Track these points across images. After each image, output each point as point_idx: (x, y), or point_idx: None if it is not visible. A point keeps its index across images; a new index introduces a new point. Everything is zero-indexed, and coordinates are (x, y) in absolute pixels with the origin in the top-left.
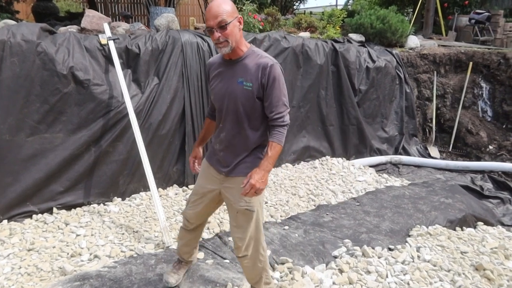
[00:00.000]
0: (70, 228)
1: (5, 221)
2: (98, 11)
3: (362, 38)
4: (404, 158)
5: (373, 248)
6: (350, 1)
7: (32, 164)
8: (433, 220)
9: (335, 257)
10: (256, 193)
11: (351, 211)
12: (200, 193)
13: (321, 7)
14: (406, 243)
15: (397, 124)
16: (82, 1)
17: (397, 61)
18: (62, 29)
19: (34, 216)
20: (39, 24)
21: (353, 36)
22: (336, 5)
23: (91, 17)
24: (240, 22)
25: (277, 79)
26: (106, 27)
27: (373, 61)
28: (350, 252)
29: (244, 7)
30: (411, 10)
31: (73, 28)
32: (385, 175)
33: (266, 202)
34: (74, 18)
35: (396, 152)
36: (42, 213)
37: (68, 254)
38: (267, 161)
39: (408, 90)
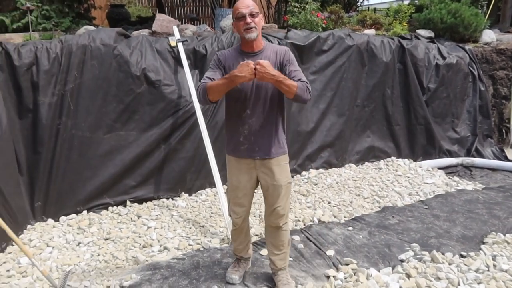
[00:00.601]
0: (142, 221)
1: (85, 212)
2: (166, 14)
3: (432, 34)
4: (477, 161)
5: (443, 254)
6: None
7: (108, 160)
8: (511, 228)
9: (402, 261)
10: (258, 70)
11: (418, 214)
12: (240, 188)
13: (387, 2)
14: (480, 251)
15: (470, 124)
16: (152, 6)
17: (470, 57)
18: (135, 33)
19: (110, 208)
20: (115, 29)
21: (421, 32)
22: (403, 0)
23: (161, 21)
24: (262, 20)
25: (294, 60)
26: (175, 30)
27: (444, 58)
28: (418, 256)
29: (307, 6)
30: (486, 2)
31: (145, 32)
32: (456, 178)
33: (329, 202)
34: (144, 22)
35: (468, 154)
36: (117, 205)
37: (140, 244)
38: (280, 75)
39: (482, 88)
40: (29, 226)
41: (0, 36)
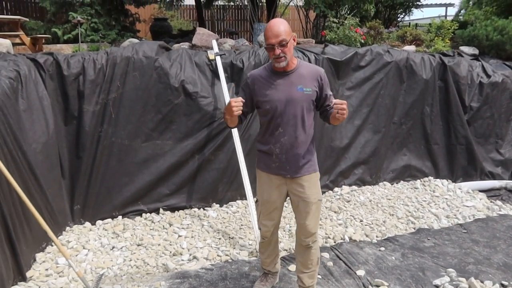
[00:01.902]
0: (173, 229)
1: (120, 217)
2: (206, 28)
3: (476, 51)
4: None
5: (482, 282)
6: (462, 12)
7: (145, 168)
8: None
9: (437, 286)
10: (343, 111)
11: (456, 238)
12: (270, 202)
13: (429, 18)
14: None
15: None
16: (192, 20)
17: None
18: (175, 46)
19: (143, 214)
20: (157, 42)
21: (464, 49)
22: (446, 16)
23: (201, 35)
24: (294, 40)
25: (327, 81)
26: (214, 43)
27: (488, 76)
28: (454, 283)
29: (346, 21)
30: None
31: (185, 45)
32: (498, 202)
33: (361, 221)
34: (185, 35)
35: None
36: (150, 212)
37: (170, 252)
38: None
39: None
40: (67, 228)
41: (52, 47)
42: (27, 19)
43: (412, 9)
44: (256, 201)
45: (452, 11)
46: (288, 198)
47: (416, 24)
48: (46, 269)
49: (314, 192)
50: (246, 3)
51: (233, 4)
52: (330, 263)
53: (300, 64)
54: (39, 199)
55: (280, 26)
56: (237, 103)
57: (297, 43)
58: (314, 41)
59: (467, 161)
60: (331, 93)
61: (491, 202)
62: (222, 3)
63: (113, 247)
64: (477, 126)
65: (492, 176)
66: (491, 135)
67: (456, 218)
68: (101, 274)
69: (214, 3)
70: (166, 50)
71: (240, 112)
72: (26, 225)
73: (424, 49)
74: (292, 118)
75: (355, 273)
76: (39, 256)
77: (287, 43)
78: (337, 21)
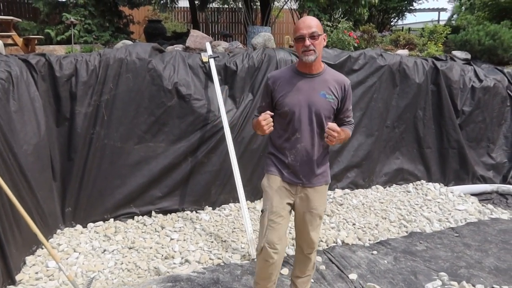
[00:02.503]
0: (165, 232)
1: (111, 220)
2: (200, 31)
3: (468, 56)
4: None
5: (473, 286)
6: (454, 16)
7: (137, 170)
8: None
9: None
10: (333, 138)
11: (448, 242)
12: (280, 209)
13: (421, 22)
14: None
15: (507, 150)
16: (187, 22)
17: (509, 80)
18: (169, 48)
19: (135, 217)
20: (151, 44)
21: (457, 53)
22: (438, 21)
23: (195, 37)
24: (324, 40)
25: (351, 94)
26: (208, 46)
27: (480, 81)
28: (446, 286)
29: (339, 25)
30: None
31: (178, 47)
32: (490, 206)
33: (354, 224)
34: (179, 37)
35: (504, 181)
36: (142, 215)
37: (162, 255)
38: (345, 133)
39: None
40: (58, 231)
41: (45, 48)
42: (19, 20)
43: (405, 13)
44: (262, 212)
45: (444, 16)
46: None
47: (409, 28)
48: (36, 273)
49: (322, 203)
50: (240, 6)
51: (227, 6)
52: (322, 267)
53: (326, 70)
54: (30, 202)
55: (313, 19)
56: (267, 121)
57: (291, 46)
58: None
59: (459, 165)
60: (351, 107)
61: (482, 205)
62: (216, 6)
63: (105, 250)
64: (469, 130)
65: (484, 180)
66: (482, 139)
67: (448, 221)
68: (92, 278)
69: (208, 6)
70: (160, 52)
71: (272, 128)
72: (16, 227)
73: (417, 53)
74: (311, 124)
75: (348, 277)
76: (29, 259)
77: (318, 36)
78: (331, 25)
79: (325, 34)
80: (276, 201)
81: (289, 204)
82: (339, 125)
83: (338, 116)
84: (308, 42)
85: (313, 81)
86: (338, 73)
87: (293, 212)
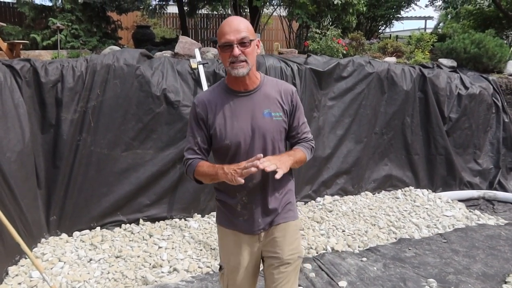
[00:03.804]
0: (153, 240)
1: (98, 228)
2: (189, 37)
3: (454, 64)
4: (501, 194)
5: None
6: (440, 25)
7: (124, 177)
8: None
9: None
10: (275, 165)
11: (436, 248)
12: (241, 269)
13: (409, 30)
14: None
15: (493, 156)
16: (176, 28)
17: (494, 88)
18: (157, 54)
19: (123, 225)
20: (139, 50)
21: (443, 61)
22: (425, 29)
23: (184, 43)
24: (258, 46)
25: (300, 104)
26: (197, 52)
27: (466, 88)
28: None
29: (328, 32)
30: (511, 33)
31: (167, 53)
32: (477, 212)
33: (343, 231)
34: (168, 43)
35: (490, 187)
36: (130, 223)
37: (150, 264)
38: (290, 155)
39: (506, 120)
40: (43, 240)
41: (30, 53)
42: (4, 24)
43: (392, 21)
44: (220, 269)
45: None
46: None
47: (397, 36)
48: (19, 283)
49: (294, 247)
50: (229, 12)
51: (216, 13)
52: (312, 274)
53: (265, 81)
54: (13, 210)
55: (242, 21)
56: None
57: (280, 53)
58: (297, 51)
59: (446, 171)
60: (304, 120)
61: (470, 211)
62: (205, 12)
63: (91, 260)
64: (456, 137)
65: (471, 186)
66: (469, 145)
67: (436, 227)
68: None
69: (197, 12)
70: (148, 58)
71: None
72: None
73: (404, 60)
74: (263, 153)
75: (338, 284)
76: (12, 269)
77: (250, 42)
78: (319, 32)
79: (258, 39)
80: (234, 259)
81: (252, 256)
82: (292, 144)
83: (290, 134)
84: (237, 50)
85: (251, 99)
86: (280, 81)
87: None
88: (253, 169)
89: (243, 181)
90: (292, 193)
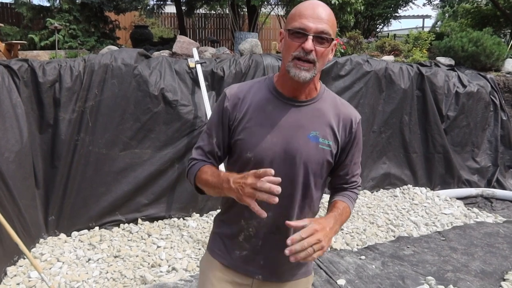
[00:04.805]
0: (152, 239)
1: (96, 228)
2: (187, 36)
3: (452, 62)
4: (499, 192)
5: None
6: (438, 23)
7: (122, 177)
8: None
9: None
10: (317, 254)
11: (435, 246)
12: None
13: (406, 29)
14: None
15: (491, 154)
16: (174, 28)
17: (491, 86)
18: (155, 53)
19: (121, 225)
20: (137, 50)
21: (441, 59)
22: (423, 27)
23: (181, 42)
24: (332, 50)
25: (361, 138)
26: (194, 51)
27: (464, 86)
28: None
29: None
30: (509, 31)
31: (165, 53)
32: (475, 210)
33: (342, 229)
34: (166, 43)
35: (488, 185)
36: (128, 223)
37: (149, 264)
38: (338, 221)
39: (504, 118)
40: (41, 240)
41: (28, 53)
42: (2, 25)
43: (390, 20)
44: None
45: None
46: None
47: (395, 35)
48: (18, 284)
49: None
50: (227, 12)
51: (214, 12)
52: None
53: (325, 95)
54: (11, 210)
55: (326, 10)
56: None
57: (278, 52)
58: None
59: (444, 169)
60: (359, 159)
61: (468, 209)
62: (203, 12)
63: (89, 259)
64: (454, 135)
65: (469, 184)
66: (467, 143)
67: (434, 225)
68: None
69: (195, 11)
70: (146, 58)
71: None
72: None
73: (402, 59)
74: (289, 186)
75: (336, 283)
76: (10, 269)
77: (330, 42)
78: None
79: (336, 42)
80: None
81: None
82: (336, 190)
83: (336, 174)
84: (311, 44)
85: (299, 112)
86: (344, 101)
87: None
88: (269, 199)
89: (256, 207)
90: None
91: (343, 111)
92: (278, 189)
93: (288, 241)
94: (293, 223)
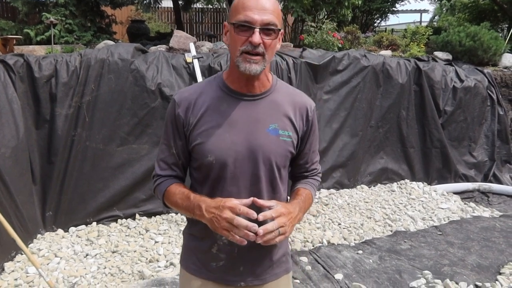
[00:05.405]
0: (149, 235)
1: (94, 223)
2: (184, 31)
3: (449, 57)
4: (495, 187)
5: (456, 283)
6: (436, 18)
7: (120, 172)
8: None
9: None
10: (280, 236)
11: (432, 240)
12: None
13: (404, 23)
14: (497, 281)
15: (488, 149)
16: (170, 22)
17: (489, 81)
18: (152, 48)
19: (119, 220)
20: (133, 44)
21: (439, 54)
22: (420, 22)
23: (178, 37)
24: (279, 40)
25: (317, 125)
26: (192, 46)
27: (461, 81)
28: (430, 285)
29: (323, 26)
30: (506, 25)
31: (162, 48)
32: (472, 204)
33: (339, 224)
34: (163, 38)
35: (485, 179)
36: (126, 218)
37: (147, 259)
38: (302, 208)
39: (501, 113)
40: (39, 236)
41: (24, 48)
42: None
43: (388, 14)
44: None
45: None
46: None
47: (392, 29)
48: (15, 279)
49: None
50: (224, 6)
51: (211, 7)
52: (308, 267)
53: (278, 86)
54: (8, 206)
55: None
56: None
57: None
58: (292, 45)
59: (441, 164)
60: (317, 147)
61: (465, 204)
62: (200, 6)
63: (87, 255)
64: (451, 130)
65: (466, 178)
66: (464, 138)
67: (431, 220)
68: (73, 283)
69: (192, 6)
70: (143, 53)
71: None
72: None
73: (399, 54)
74: (256, 183)
75: (334, 277)
76: (8, 265)
77: (277, 32)
78: (315, 26)
79: (282, 31)
80: None
81: None
82: (297, 178)
83: (297, 163)
84: (258, 37)
85: (255, 106)
86: (296, 90)
87: None
88: (249, 234)
89: (235, 237)
90: (287, 242)
91: (298, 100)
92: (254, 231)
93: (260, 216)
94: (261, 201)
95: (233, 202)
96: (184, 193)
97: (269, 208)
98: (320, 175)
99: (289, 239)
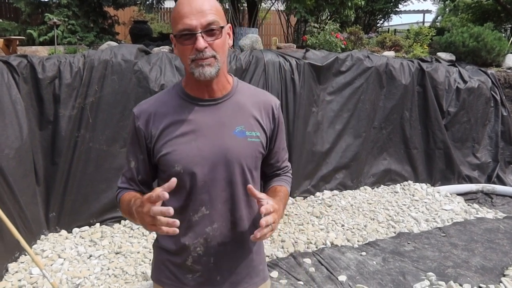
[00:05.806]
0: (153, 236)
1: (97, 224)
2: None
3: (453, 57)
4: (499, 188)
5: (460, 285)
6: (439, 18)
7: None
8: None
9: None
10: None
11: (435, 242)
12: None
13: (407, 24)
14: (501, 283)
15: (491, 150)
16: None
17: (492, 81)
18: (155, 49)
19: (122, 221)
20: (137, 45)
21: (442, 55)
22: (423, 23)
23: None
24: (230, 35)
25: (283, 123)
26: None
27: (465, 82)
28: (434, 286)
29: (326, 26)
30: (510, 26)
31: (165, 48)
32: (475, 205)
33: (342, 225)
34: (166, 38)
35: (489, 180)
36: None
37: (150, 260)
38: (283, 205)
39: (504, 113)
40: (42, 236)
41: (27, 49)
42: (0, 20)
43: (391, 15)
44: None
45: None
46: None
47: (395, 30)
48: (19, 280)
49: None
50: (227, 7)
51: None
52: (312, 269)
53: (239, 87)
54: (12, 207)
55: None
56: (161, 212)
57: (278, 48)
58: (295, 46)
59: (445, 165)
60: (285, 144)
61: (468, 205)
62: None
63: (90, 256)
64: (455, 131)
65: (469, 179)
66: (468, 139)
67: (435, 221)
68: (77, 284)
69: None
70: (146, 54)
71: (176, 230)
72: None
73: (403, 54)
74: (228, 188)
75: (337, 279)
76: (12, 266)
77: (221, 30)
78: (318, 26)
79: (229, 24)
80: None
81: None
82: (270, 177)
83: (267, 162)
84: (202, 42)
85: (218, 110)
86: (258, 89)
87: None
88: (168, 221)
89: (174, 230)
90: (262, 248)
91: (262, 99)
92: (170, 211)
93: (263, 209)
94: (254, 191)
95: (149, 194)
96: (129, 200)
97: (260, 200)
98: (291, 171)
99: (292, 240)
